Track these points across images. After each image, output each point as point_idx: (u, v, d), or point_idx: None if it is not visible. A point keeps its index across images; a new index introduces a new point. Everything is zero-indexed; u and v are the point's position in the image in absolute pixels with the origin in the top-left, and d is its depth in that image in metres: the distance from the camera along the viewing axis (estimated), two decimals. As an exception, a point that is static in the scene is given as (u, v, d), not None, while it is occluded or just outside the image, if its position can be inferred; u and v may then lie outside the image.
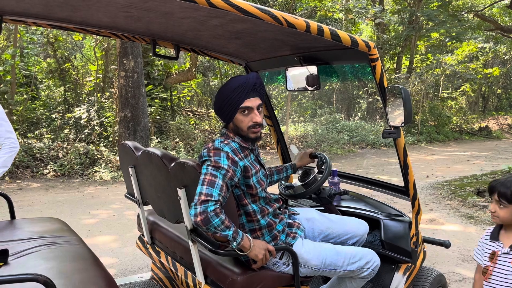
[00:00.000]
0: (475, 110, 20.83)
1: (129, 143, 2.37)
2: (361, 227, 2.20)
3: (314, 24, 1.82)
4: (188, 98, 15.51)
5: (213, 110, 14.15)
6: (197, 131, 11.97)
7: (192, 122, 12.91)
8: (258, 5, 1.64)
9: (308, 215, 2.15)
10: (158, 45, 2.53)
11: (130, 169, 2.30)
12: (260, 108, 1.91)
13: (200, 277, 1.88)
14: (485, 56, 20.09)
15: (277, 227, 1.92)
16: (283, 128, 12.51)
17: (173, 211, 1.98)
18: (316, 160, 2.42)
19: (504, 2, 17.89)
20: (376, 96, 15.99)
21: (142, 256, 3.87)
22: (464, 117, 18.29)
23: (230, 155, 1.77)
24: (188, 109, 14.65)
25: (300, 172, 2.47)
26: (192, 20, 2.10)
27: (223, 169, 1.71)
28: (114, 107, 9.82)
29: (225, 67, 15.43)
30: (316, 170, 2.39)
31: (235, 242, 1.67)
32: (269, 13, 1.66)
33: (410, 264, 2.31)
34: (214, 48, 2.71)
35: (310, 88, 2.55)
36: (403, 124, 1.99)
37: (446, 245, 2.57)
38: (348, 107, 18.05)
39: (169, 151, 8.75)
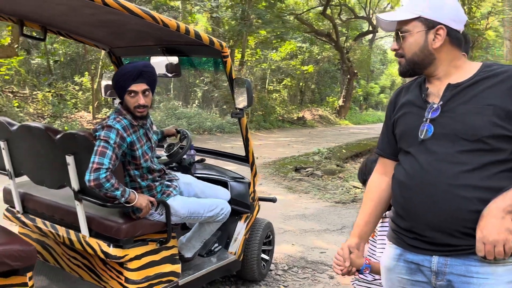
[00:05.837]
0: (294, 102, 23.69)
1: (1, 118, 2.46)
2: (225, 193, 2.79)
3: (182, 25, 2.30)
4: (8, 77, 13.80)
5: (38, 92, 13.01)
6: (22, 114, 10.93)
7: (16, 105, 11.67)
8: (142, 7, 2.04)
9: (186, 180, 2.66)
10: (25, 26, 2.63)
11: (2, 143, 2.41)
12: (147, 92, 2.28)
13: (85, 231, 2.19)
14: (303, 55, 23.07)
15: (157, 189, 2.37)
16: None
17: (56, 177, 2.23)
18: (179, 135, 2.91)
19: (319, 9, 20.96)
20: (212, 86, 16.96)
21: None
22: (286, 108, 20.72)
23: (120, 132, 2.14)
24: (8, 90, 13.08)
25: (165, 145, 2.93)
26: (65, 7, 2.32)
27: (113, 143, 2.09)
28: None
29: (54, 45, 14.24)
30: (179, 143, 2.89)
31: (123, 198, 2.08)
32: (149, 14, 2.08)
33: (249, 214, 3.01)
34: (81, 33, 2.92)
35: (169, 75, 3.03)
36: (246, 107, 2.66)
37: (273, 200, 3.38)
38: (185, 95, 18.63)
39: None
